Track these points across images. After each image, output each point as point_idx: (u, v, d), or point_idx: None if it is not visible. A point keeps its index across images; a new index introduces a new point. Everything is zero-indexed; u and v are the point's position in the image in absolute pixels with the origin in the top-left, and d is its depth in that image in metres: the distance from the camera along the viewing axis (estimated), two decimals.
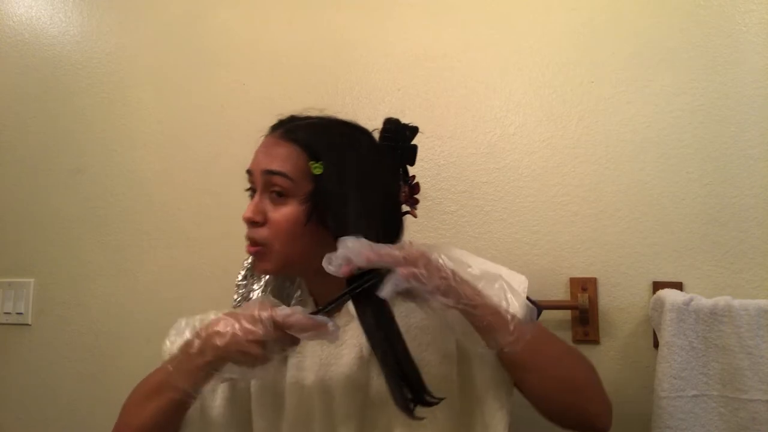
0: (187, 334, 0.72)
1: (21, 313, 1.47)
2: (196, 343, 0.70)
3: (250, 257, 0.85)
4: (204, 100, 1.40)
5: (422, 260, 0.65)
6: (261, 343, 0.67)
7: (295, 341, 0.69)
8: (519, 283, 0.82)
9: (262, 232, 0.77)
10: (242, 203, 1.32)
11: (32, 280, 1.48)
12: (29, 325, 1.47)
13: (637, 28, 1.16)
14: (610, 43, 1.17)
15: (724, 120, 1.10)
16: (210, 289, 1.34)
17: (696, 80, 1.12)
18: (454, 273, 0.67)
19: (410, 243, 0.69)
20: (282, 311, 0.68)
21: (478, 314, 0.67)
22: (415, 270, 0.64)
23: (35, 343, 1.46)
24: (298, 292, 0.88)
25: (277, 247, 0.77)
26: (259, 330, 0.67)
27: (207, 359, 0.69)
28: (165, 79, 1.44)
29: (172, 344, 0.74)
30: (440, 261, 0.67)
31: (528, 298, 0.81)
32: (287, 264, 0.79)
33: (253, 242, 0.78)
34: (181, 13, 1.44)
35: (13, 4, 1.57)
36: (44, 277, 1.47)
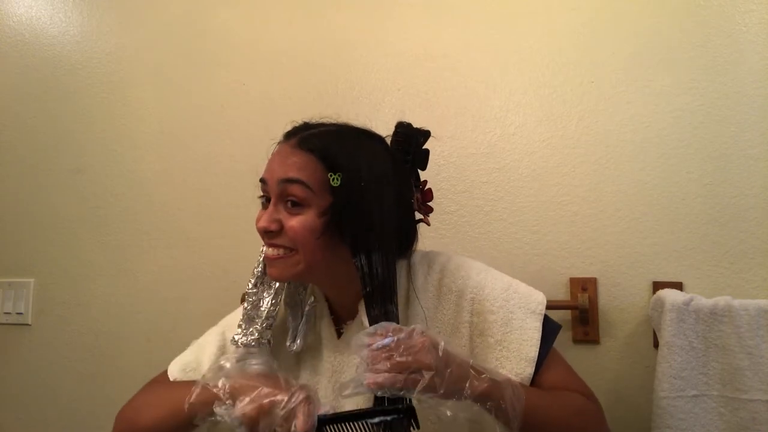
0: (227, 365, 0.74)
1: (21, 313, 1.47)
2: (222, 385, 0.70)
3: (260, 265, 0.85)
4: (204, 100, 1.40)
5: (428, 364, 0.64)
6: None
7: None
8: (537, 303, 0.82)
9: (281, 240, 0.77)
10: (242, 203, 1.33)
11: (32, 280, 1.48)
12: (29, 325, 1.47)
13: (637, 28, 1.16)
14: (610, 43, 1.17)
15: (724, 120, 1.10)
16: (210, 289, 1.34)
17: (696, 80, 1.12)
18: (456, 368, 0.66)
19: (421, 332, 0.67)
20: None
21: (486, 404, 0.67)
22: (385, 380, 0.63)
23: (35, 343, 1.46)
24: (311, 299, 0.87)
25: (300, 254, 0.76)
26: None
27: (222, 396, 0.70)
28: (165, 79, 1.44)
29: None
30: (440, 352, 0.66)
31: (546, 317, 0.81)
32: (309, 271, 0.77)
33: (275, 248, 0.77)
34: (181, 13, 1.44)
35: (13, 4, 1.57)
36: (44, 277, 1.48)
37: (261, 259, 0.85)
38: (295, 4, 1.36)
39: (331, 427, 0.67)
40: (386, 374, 0.63)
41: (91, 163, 1.47)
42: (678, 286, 1.08)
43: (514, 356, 0.77)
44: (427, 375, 0.63)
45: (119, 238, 1.43)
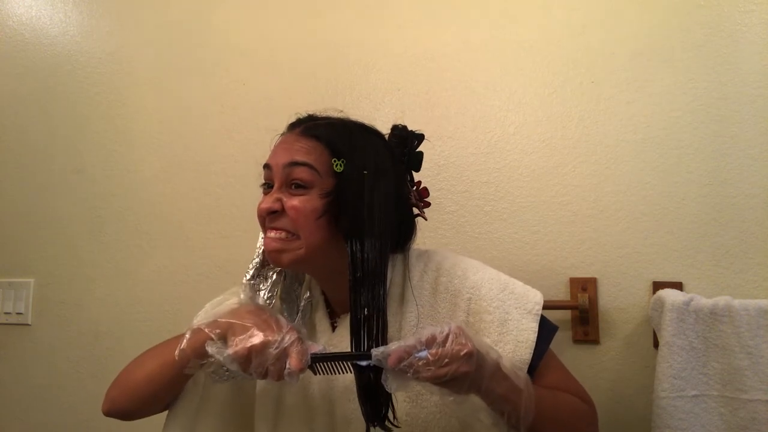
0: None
1: (21, 313, 1.47)
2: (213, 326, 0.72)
3: (258, 257, 0.85)
4: (204, 100, 1.40)
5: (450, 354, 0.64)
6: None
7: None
8: (534, 304, 0.82)
9: (282, 223, 0.77)
10: (242, 203, 1.33)
11: (32, 280, 1.48)
12: (29, 325, 1.47)
13: (637, 28, 1.16)
14: (610, 43, 1.17)
15: (724, 120, 1.10)
16: (210, 289, 1.33)
17: (696, 80, 1.12)
18: (480, 361, 0.66)
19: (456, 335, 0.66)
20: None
21: (498, 400, 0.68)
22: (406, 355, 0.64)
23: (35, 343, 1.46)
24: (307, 294, 0.87)
25: (302, 236, 0.76)
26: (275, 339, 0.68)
27: (215, 330, 0.71)
28: (165, 79, 1.44)
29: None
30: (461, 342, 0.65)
31: (543, 318, 0.81)
32: (309, 256, 0.77)
33: (277, 231, 0.77)
34: (181, 13, 1.44)
35: (13, 4, 1.57)
36: (44, 277, 1.48)
37: (259, 251, 0.85)
38: (295, 5, 1.36)
39: (321, 365, 0.70)
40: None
41: (90, 163, 1.47)
42: (678, 286, 1.08)
43: (509, 358, 0.77)
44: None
45: (119, 239, 1.43)
